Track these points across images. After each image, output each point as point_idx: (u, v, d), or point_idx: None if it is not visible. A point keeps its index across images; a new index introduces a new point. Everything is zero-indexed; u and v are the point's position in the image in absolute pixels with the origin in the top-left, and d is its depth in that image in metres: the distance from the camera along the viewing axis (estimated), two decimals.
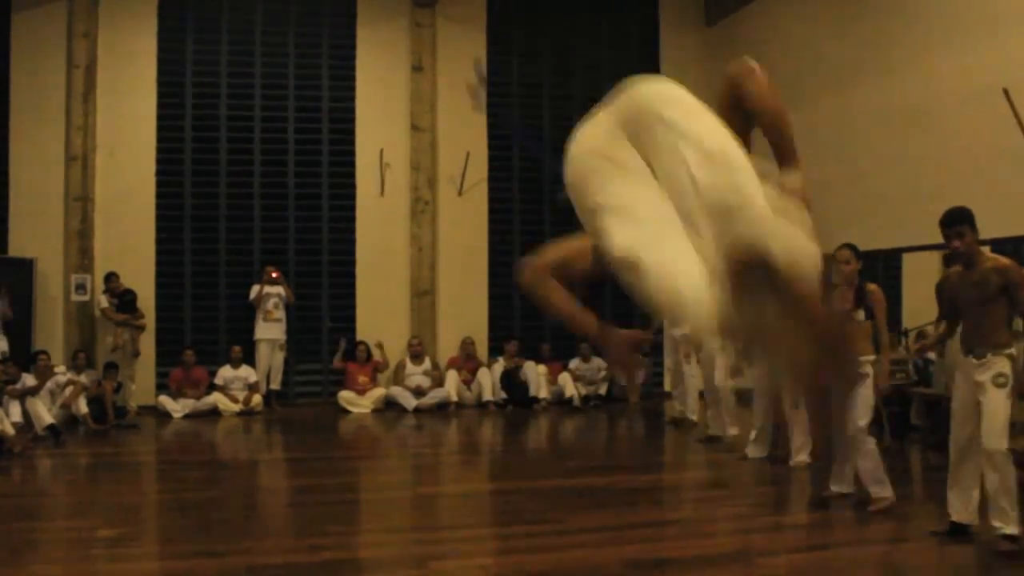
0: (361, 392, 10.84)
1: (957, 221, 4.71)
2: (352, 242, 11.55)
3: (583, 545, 4.96)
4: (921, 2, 8.59)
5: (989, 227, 5.25)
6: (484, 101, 11.25)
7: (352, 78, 11.62)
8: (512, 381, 11.09)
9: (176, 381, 10.56)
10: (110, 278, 10.41)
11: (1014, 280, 4.64)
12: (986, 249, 5.23)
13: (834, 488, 5.87)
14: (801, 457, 6.88)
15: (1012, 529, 4.56)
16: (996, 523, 4.60)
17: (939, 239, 4.91)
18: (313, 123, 11.54)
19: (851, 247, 5.84)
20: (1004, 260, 4.81)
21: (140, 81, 11.02)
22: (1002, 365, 4.65)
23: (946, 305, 5.11)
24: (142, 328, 10.48)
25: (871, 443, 5.64)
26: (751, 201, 1.89)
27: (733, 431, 8.10)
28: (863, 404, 5.62)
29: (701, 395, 8.88)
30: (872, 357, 5.71)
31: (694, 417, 9.08)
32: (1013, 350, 4.75)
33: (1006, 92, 7.10)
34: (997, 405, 4.61)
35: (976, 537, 4.80)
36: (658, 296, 1.96)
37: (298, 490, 6.59)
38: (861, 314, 5.67)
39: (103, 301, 10.37)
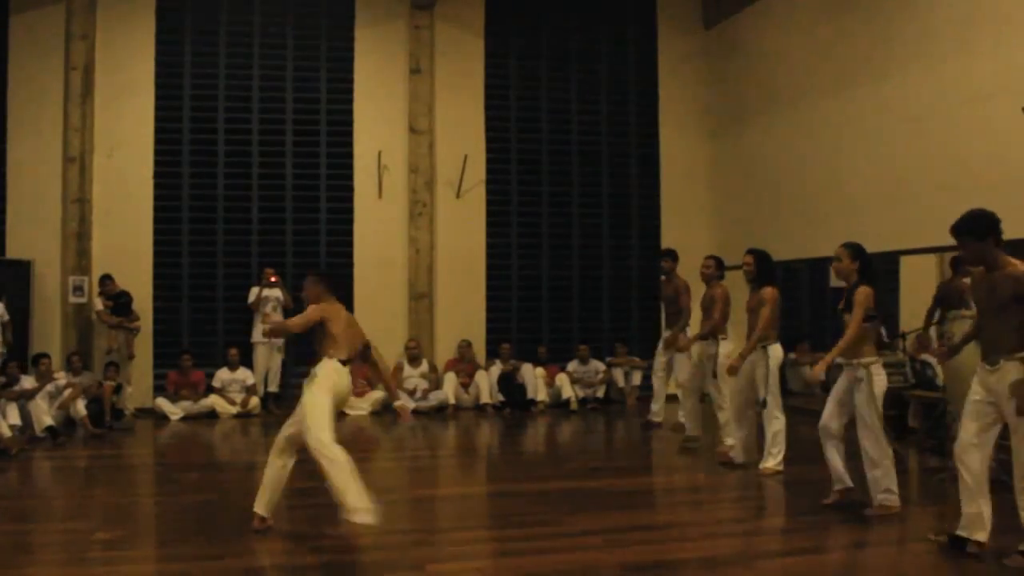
0: (359, 394, 10.82)
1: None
2: (350, 244, 11.55)
3: (581, 548, 4.97)
4: (921, 5, 8.59)
5: None
6: None
7: (350, 80, 11.62)
8: (510, 384, 11.09)
9: (173, 383, 10.56)
10: (104, 280, 10.39)
11: None
12: None
13: (836, 486, 5.87)
14: (770, 463, 6.87)
15: None
16: None
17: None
18: (311, 125, 11.54)
19: (844, 245, 5.75)
20: (1021, 267, 4.48)
21: (138, 83, 11.02)
22: (1015, 371, 4.41)
23: (976, 305, 4.91)
24: (136, 331, 10.46)
25: (889, 455, 5.56)
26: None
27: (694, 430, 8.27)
28: (868, 409, 5.52)
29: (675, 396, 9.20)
30: (873, 359, 5.60)
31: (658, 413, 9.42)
32: None
33: None
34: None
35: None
36: None
37: (296, 492, 6.56)
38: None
39: (98, 304, 10.35)
